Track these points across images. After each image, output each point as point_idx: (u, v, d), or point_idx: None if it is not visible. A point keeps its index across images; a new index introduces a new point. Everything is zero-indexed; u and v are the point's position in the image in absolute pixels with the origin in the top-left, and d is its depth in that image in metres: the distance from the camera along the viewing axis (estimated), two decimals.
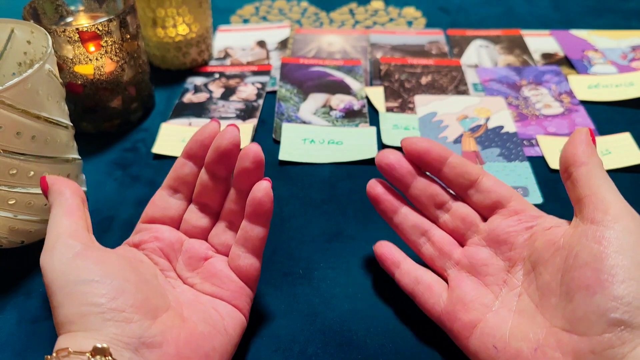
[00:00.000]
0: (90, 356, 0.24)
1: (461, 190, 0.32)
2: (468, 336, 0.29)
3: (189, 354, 0.26)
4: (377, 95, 0.54)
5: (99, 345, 0.24)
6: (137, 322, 0.25)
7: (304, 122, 0.51)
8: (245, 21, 0.69)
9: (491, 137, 0.48)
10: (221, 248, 0.33)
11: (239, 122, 0.51)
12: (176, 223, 0.33)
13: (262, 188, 0.30)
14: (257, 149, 0.31)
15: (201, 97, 0.54)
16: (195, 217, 0.33)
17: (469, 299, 0.29)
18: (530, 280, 0.28)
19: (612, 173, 0.44)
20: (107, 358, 0.24)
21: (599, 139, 0.47)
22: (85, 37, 0.43)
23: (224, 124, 0.50)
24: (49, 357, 0.25)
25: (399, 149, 0.47)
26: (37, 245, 0.39)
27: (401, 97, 0.54)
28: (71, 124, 0.38)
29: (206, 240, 0.33)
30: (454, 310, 0.30)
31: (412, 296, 0.32)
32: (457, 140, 0.48)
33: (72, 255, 0.27)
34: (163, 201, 0.33)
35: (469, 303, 0.29)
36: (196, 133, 0.32)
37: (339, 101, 0.53)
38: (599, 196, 0.27)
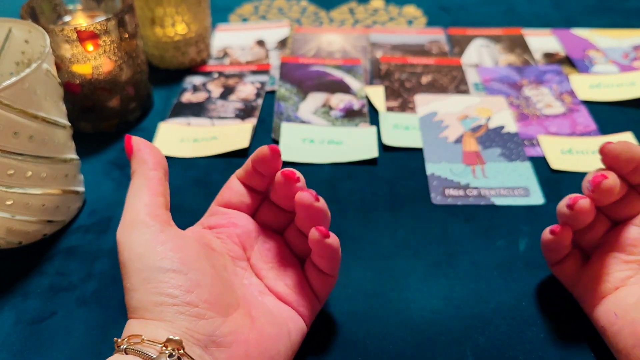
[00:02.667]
0: (163, 347, 0.23)
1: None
2: (595, 305, 0.30)
3: (257, 356, 0.26)
4: (377, 94, 0.54)
5: (173, 338, 0.23)
6: (210, 319, 0.25)
7: (304, 122, 0.50)
8: (245, 20, 0.69)
9: (492, 137, 0.48)
10: (297, 250, 0.32)
11: (237, 122, 0.50)
12: (251, 212, 0.32)
13: (317, 236, 0.28)
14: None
15: (200, 96, 0.54)
16: (272, 212, 0.32)
17: (605, 272, 0.30)
18: None
19: None
20: (179, 351, 0.23)
21: (601, 139, 0.47)
22: (83, 37, 0.43)
23: (223, 123, 0.50)
24: (119, 340, 0.24)
25: (399, 149, 0.47)
26: (34, 246, 0.39)
27: (401, 96, 0.53)
28: (69, 124, 0.38)
29: (282, 235, 0.32)
30: (589, 281, 0.31)
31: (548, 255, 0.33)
32: (458, 140, 0.47)
33: (151, 238, 0.26)
34: (240, 189, 0.32)
35: (604, 276, 0.30)
36: (256, 153, 0.31)
37: (339, 101, 0.53)
38: None
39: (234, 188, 0.32)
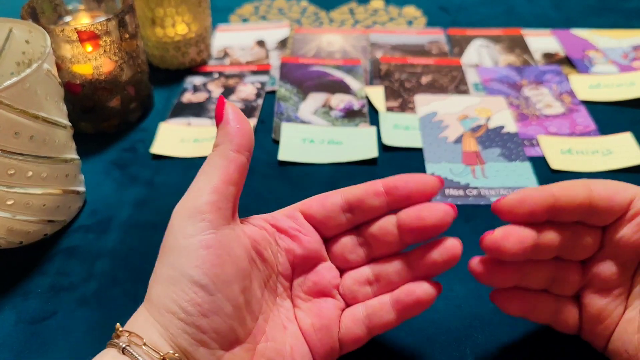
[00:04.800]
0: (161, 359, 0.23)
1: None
2: (605, 345, 0.28)
3: None
4: (377, 95, 0.54)
5: (173, 355, 0.23)
6: (210, 350, 0.24)
7: (304, 122, 0.50)
8: (245, 20, 0.69)
9: (492, 137, 0.48)
10: (347, 293, 0.29)
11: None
12: (329, 235, 0.29)
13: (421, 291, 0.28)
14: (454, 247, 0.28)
15: (200, 96, 0.54)
16: (350, 248, 0.29)
17: (603, 315, 0.28)
18: None
19: (613, 173, 0.44)
20: None
21: (600, 139, 0.47)
22: (83, 37, 0.43)
23: None
24: (120, 330, 0.24)
25: (399, 149, 0.47)
26: (35, 246, 0.39)
27: (401, 96, 0.54)
28: (69, 124, 0.38)
29: (342, 273, 0.29)
30: (590, 327, 0.29)
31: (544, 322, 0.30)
32: (458, 140, 0.48)
33: (199, 234, 0.24)
34: (333, 210, 0.28)
35: (602, 318, 0.28)
36: (408, 176, 0.28)
37: (339, 101, 0.53)
38: None
39: (327, 206, 0.29)
